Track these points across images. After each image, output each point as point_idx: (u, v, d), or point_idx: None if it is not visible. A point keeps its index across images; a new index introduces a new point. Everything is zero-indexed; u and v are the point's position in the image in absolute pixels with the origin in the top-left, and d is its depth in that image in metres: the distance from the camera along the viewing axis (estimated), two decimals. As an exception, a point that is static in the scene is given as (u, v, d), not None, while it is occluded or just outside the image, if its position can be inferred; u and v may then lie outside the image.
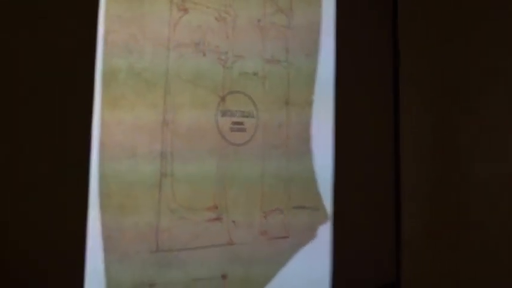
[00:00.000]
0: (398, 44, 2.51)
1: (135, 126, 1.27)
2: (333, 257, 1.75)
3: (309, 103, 1.64)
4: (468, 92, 2.81)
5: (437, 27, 2.93)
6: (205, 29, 1.40)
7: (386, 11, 2.30)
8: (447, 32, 2.98)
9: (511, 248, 2.65)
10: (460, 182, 2.88)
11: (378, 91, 2.20)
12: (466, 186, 2.83)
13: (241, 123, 1.50)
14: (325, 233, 1.72)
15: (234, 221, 1.45)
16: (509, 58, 2.62)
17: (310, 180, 1.65)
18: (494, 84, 2.68)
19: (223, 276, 1.43)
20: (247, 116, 1.51)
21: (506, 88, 2.66)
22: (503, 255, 2.68)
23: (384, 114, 2.30)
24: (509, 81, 2.65)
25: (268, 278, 1.53)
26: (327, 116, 1.70)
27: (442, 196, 2.92)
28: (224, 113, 1.46)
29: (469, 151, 2.78)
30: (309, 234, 1.64)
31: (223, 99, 1.45)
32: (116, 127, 1.24)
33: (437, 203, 2.90)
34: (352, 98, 1.88)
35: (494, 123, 2.68)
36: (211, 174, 1.41)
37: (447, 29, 2.98)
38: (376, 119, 2.21)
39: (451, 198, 2.87)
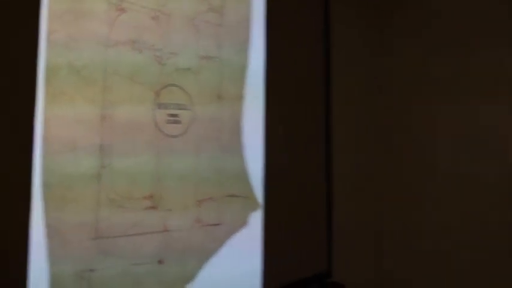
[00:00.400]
0: (330, 42, 2.74)
1: (75, 121, 1.40)
2: (264, 245, 1.94)
3: (241, 97, 1.82)
4: (402, 93, 3.11)
5: (374, 26, 3.19)
6: (141, 28, 1.54)
7: (318, 8, 2.52)
8: (382, 29, 3.25)
9: (436, 236, 2.96)
10: (389, 174, 3.17)
11: (309, 86, 2.42)
12: (395, 178, 3.12)
13: (176, 116, 1.65)
14: (257, 221, 1.91)
15: (169, 209, 1.61)
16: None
17: (241, 170, 1.82)
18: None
19: (160, 262, 1.58)
20: (182, 109, 1.68)
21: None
22: (431, 244, 2.99)
23: (315, 107, 2.51)
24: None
25: (203, 263, 1.70)
26: (258, 110, 1.89)
27: (372, 187, 3.19)
28: (160, 106, 1.60)
29: (398, 147, 3.07)
30: (240, 222, 1.82)
31: (159, 93, 1.60)
32: (57, 122, 1.36)
33: (368, 194, 3.18)
34: (283, 93, 2.09)
35: (420, 124, 3.00)
36: (147, 165, 1.56)
37: (383, 25, 3.24)
38: (307, 113, 2.42)
39: (381, 189, 3.15)
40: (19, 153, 1.33)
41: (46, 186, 1.35)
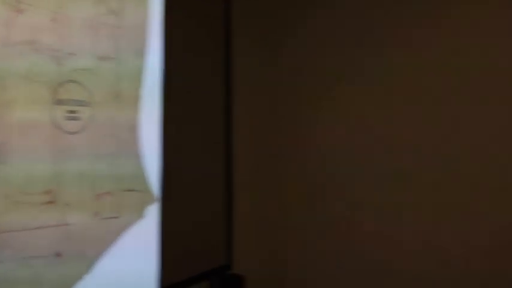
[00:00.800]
0: (231, 45, 2.90)
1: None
2: (161, 239, 2.06)
3: (138, 97, 1.94)
4: (301, 97, 3.31)
5: (273, 27, 3.37)
6: (39, 29, 1.61)
7: (218, 13, 2.69)
8: (282, 32, 3.43)
9: (333, 231, 3.20)
10: (283, 172, 3.37)
11: (208, 87, 2.58)
12: (288, 176, 3.32)
13: (75, 112, 1.73)
14: (154, 215, 2.02)
15: (67, 204, 1.69)
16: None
17: (138, 165, 1.95)
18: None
19: (58, 254, 1.67)
20: (81, 105, 1.75)
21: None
22: (325, 237, 3.22)
23: (214, 107, 2.68)
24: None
25: (100, 255, 1.80)
26: (155, 109, 2.02)
27: (269, 184, 3.37)
28: (59, 102, 1.68)
29: (299, 142, 3.28)
30: (137, 215, 1.94)
31: (57, 90, 1.67)
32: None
33: (266, 189, 3.36)
34: (179, 93, 2.24)
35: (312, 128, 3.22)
36: (46, 161, 1.63)
37: (282, 27, 3.43)
38: (207, 112, 2.58)
39: (277, 187, 3.34)
40: None
41: None
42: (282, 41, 3.33)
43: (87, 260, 1.78)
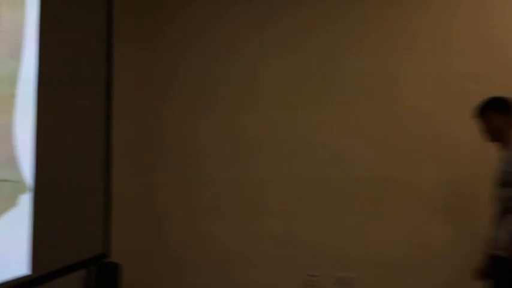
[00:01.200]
0: (112, 47, 3.02)
1: None
2: (34, 228, 2.16)
3: (13, 96, 2.07)
4: (178, 97, 3.52)
5: (153, 27, 3.54)
6: None
7: (99, 20, 2.81)
8: (163, 34, 3.61)
9: (200, 223, 3.44)
10: (159, 166, 3.57)
11: (88, 87, 2.70)
12: (164, 170, 3.53)
13: None
14: (26, 204, 2.13)
15: None
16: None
17: (12, 155, 2.06)
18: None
19: None
20: None
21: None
22: (196, 228, 3.46)
23: (93, 102, 2.79)
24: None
25: None
26: (30, 106, 2.16)
27: (147, 175, 3.56)
28: None
29: (167, 146, 3.49)
30: (10, 203, 2.05)
31: None
32: None
33: (143, 180, 3.54)
34: (55, 91, 2.35)
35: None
36: None
37: (163, 31, 3.61)
38: (83, 108, 2.69)
39: (154, 178, 3.54)
40: None
41: None
42: (159, 45, 3.53)
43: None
